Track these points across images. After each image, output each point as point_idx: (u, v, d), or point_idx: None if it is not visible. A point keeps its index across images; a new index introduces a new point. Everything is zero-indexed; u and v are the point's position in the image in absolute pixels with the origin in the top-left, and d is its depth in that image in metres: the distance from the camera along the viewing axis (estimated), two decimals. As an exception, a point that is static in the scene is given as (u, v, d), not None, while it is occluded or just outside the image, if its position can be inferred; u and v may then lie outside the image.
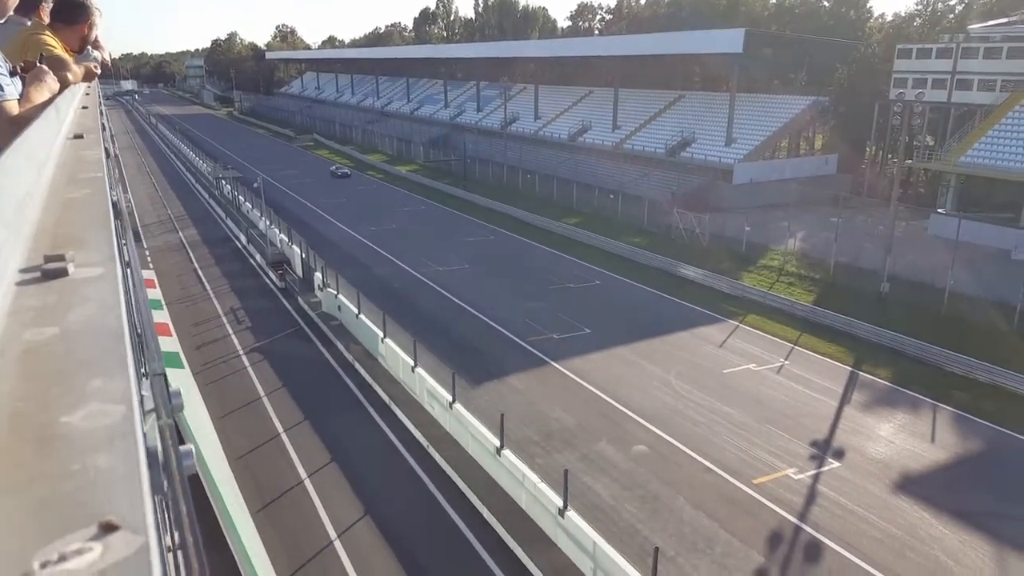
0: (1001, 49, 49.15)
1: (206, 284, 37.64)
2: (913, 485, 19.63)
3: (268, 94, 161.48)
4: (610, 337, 29.79)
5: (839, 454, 21.19)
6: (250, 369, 26.82)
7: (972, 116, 50.37)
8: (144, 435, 1.03)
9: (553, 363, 27.29)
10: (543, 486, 17.26)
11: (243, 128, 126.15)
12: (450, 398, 21.48)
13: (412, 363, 23.98)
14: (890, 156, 57.97)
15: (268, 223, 44.55)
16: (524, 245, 46.39)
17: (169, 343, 18.86)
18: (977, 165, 44.71)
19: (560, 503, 16.35)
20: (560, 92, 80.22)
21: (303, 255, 37.12)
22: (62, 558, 0.74)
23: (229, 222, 52.16)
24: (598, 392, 24.89)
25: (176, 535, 1.24)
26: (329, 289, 31.92)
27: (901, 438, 22.26)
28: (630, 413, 23.40)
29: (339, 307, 30.81)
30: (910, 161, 50.67)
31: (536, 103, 78.43)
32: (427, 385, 23.07)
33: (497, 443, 18.96)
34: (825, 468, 20.37)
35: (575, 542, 16.01)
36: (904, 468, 20.46)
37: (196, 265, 41.40)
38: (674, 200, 48.41)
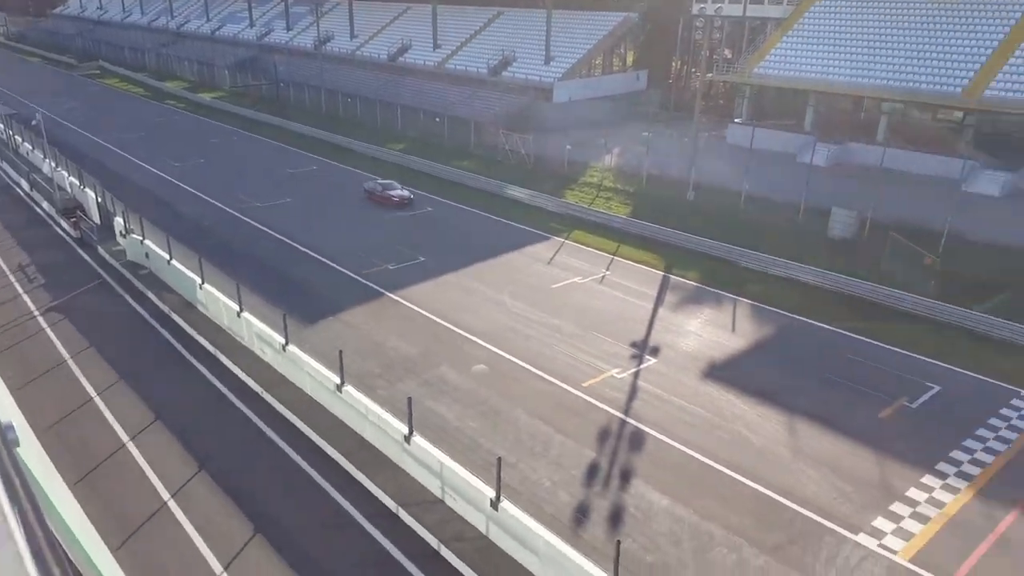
0: (786, -35, 53.00)
1: (-17, 240, 33.01)
2: (719, 372, 22.06)
3: (40, 16, 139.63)
4: (445, 263, 30.02)
5: (655, 351, 23.23)
6: (49, 331, 24.23)
7: (764, 29, 54.44)
8: None
9: (389, 294, 27.15)
10: (387, 416, 17.45)
11: (12, 56, 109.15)
12: (283, 340, 20.81)
13: (237, 308, 22.81)
14: (693, 70, 61.62)
15: (54, 165, 39.49)
16: (350, 174, 44.82)
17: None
18: (768, 76, 48.75)
19: (405, 430, 16.65)
20: (376, 8, 76.34)
21: (99, 199, 33.47)
22: None
23: (5, 166, 45.61)
24: (436, 318, 25.21)
25: (14, 508, 1.19)
26: (134, 235, 29.17)
27: (707, 331, 24.77)
28: (468, 335, 24.01)
29: (147, 254, 28.34)
30: (711, 74, 54.15)
31: (351, 20, 74.24)
32: (256, 329, 22.12)
33: (337, 380, 18.77)
34: (644, 365, 22.29)
35: (422, 464, 16.49)
36: (711, 358, 22.87)
37: (-33, 219, 36.06)
38: (498, 121, 48.63)
